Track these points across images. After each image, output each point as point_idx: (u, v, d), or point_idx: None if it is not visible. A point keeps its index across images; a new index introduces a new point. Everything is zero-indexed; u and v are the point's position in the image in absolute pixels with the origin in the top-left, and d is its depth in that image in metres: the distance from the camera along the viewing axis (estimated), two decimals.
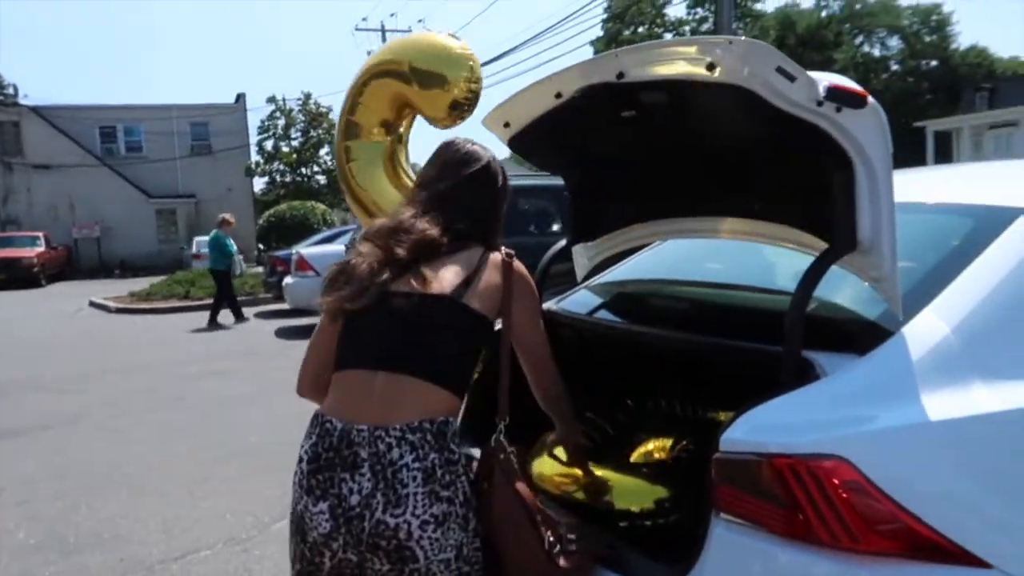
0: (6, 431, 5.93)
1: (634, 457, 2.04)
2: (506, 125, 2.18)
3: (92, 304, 16.25)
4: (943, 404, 1.39)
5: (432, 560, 1.47)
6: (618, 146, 2.18)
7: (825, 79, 1.48)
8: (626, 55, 1.72)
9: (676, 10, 39.23)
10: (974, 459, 1.41)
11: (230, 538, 3.66)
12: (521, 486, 1.63)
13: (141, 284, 18.47)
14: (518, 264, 1.74)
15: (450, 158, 1.83)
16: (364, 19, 79.40)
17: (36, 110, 31.04)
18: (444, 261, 1.65)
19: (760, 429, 1.38)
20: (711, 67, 1.52)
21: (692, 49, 1.58)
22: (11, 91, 31.75)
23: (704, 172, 2.07)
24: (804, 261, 2.00)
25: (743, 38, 1.49)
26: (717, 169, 2.02)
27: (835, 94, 1.45)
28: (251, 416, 5.91)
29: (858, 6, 40.51)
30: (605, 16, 36.13)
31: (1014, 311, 1.53)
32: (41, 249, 24.52)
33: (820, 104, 1.45)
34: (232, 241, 12.23)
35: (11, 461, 5.12)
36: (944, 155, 25.42)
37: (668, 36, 34.78)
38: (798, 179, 1.76)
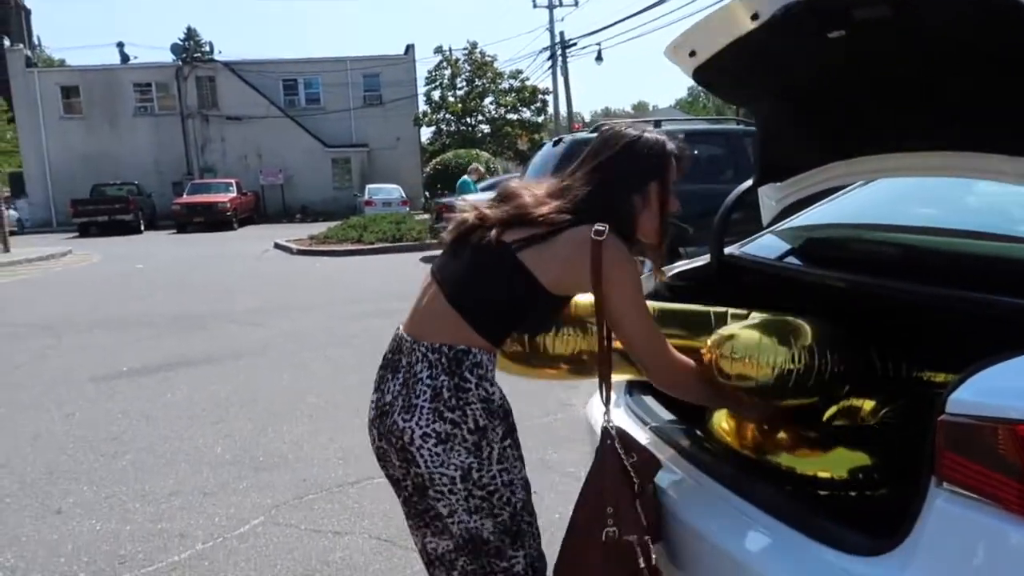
0: (204, 358, 6.54)
1: (828, 415, 1.87)
2: (692, 54, 2.02)
3: (276, 246, 17.54)
4: None
5: (433, 471, 1.59)
6: (819, 73, 1.95)
7: None
8: None
9: None
10: None
11: None
12: (616, 477, 1.64)
13: (319, 228, 19.70)
14: (609, 243, 1.58)
15: (592, 146, 1.76)
16: None
17: (228, 65, 33.62)
18: (531, 228, 1.64)
19: (999, 390, 1.19)
20: None
21: None
22: (207, 48, 34.48)
23: (919, 99, 1.81)
24: None
25: None
26: (935, 95, 1.76)
27: None
28: None
29: None
30: None
31: None
32: (233, 195, 26.73)
33: None
34: (478, 188, 13.17)
35: (208, 385, 5.64)
36: None
37: None
38: None
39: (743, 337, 1.68)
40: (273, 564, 2.95)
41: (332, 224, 19.45)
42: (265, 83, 33.62)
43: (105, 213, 25.60)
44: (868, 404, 1.81)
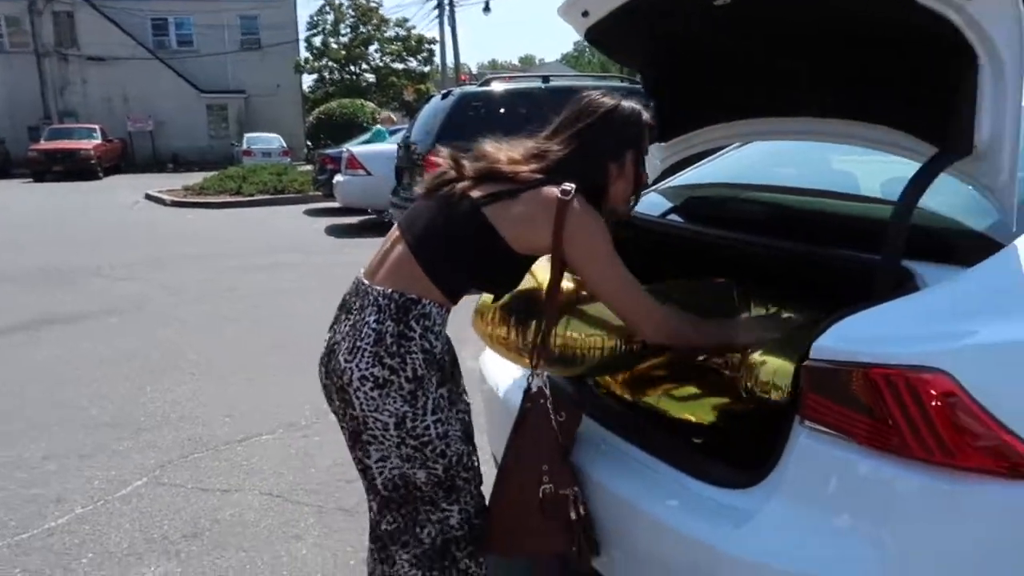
0: (74, 315, 6.16)
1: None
2: (584, 14, 2.06)
3: (148, 197, 16.56)
4: None
5: (368, 415, 1.63)
6: (704, 37, 2.04)
7: None
8: None
9: None
10: None
11: (290, 424, 3.79)
12: (549, 435, 1.70)
13: (194, 178, 18.71)
14: (576, 203, 1.60)
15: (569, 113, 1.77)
16: None
17: (88, 1, 30.89)
18: (501, 185, 1.66)
19: (855, 338, 1.32)
20: None
21: None
22: None
23: (799, 68, 1.93)
24: (892, 168, 1.89)
25: None
26: (813, 64, 1.88)
27: None
28: (302, 309, 6.03)
29: None
30: None
31: None
32: (98, 141, 24.89)
33: None
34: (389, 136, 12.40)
35: (79, 343, 5.33)
36: None
37: None
38: (908, 74, 1.63)
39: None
40: (160, 524, 2.88)
41: (208, 175, 18.47)
42: (131, 21, 31.14)
43: None
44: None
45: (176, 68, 31.70)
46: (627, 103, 1.76)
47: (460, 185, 1.68)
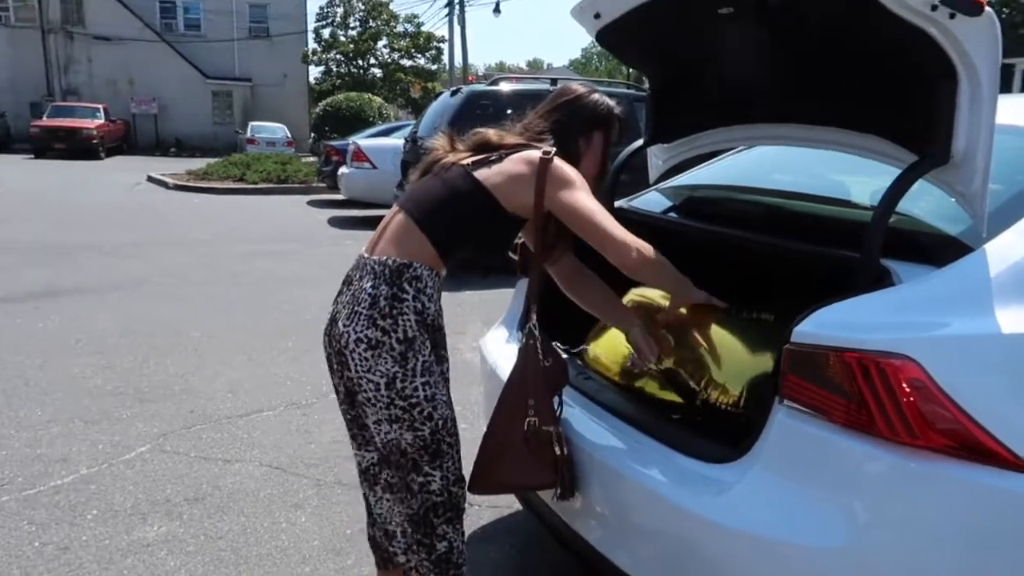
0: (77, 288, 6.26)
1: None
2: (596, 16, 2.17)
3: (150, 179, 16.63)
4: (1015, 320, 1.43)
5: (362, 375, 1.74)
6: (708, 45, 2.16)
7: None
8: None
9: None
10: None
11: (291, 402, 3.89)
12: (536, 372, 1.84)
13: (197, 164, 18.79)
14: (556, 161, 1.82)
15: (548, 98, 2.03)
16: None
17: None
18: (489, 152, 1.89)
19: (833, 324, 1.44)
20: None
21: None
22: None
23: (794, 77, 2.05)
24: (883, 177, 2.01)
25: None
26: (808, 74, 2.00)
27: (951, 0, 1.43)
28: (306, 296, 6.13)
29: None
30: None
31: None
32: (101, 121, 24.86)
33: (934, 8, 1.43)
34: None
35: (84, 315, 5.43)
36: None
37: None
38: (892, 87, 1.75)
39: None
40: (163, 488, 2.99)
41: (211, 161, 18.57)
42: (139, 3, 31.10)
43: None
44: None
45: (183, 52, 31.70)
46: (599, 93, 2.02)
47: (452, 157, 1.91)
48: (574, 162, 1.89)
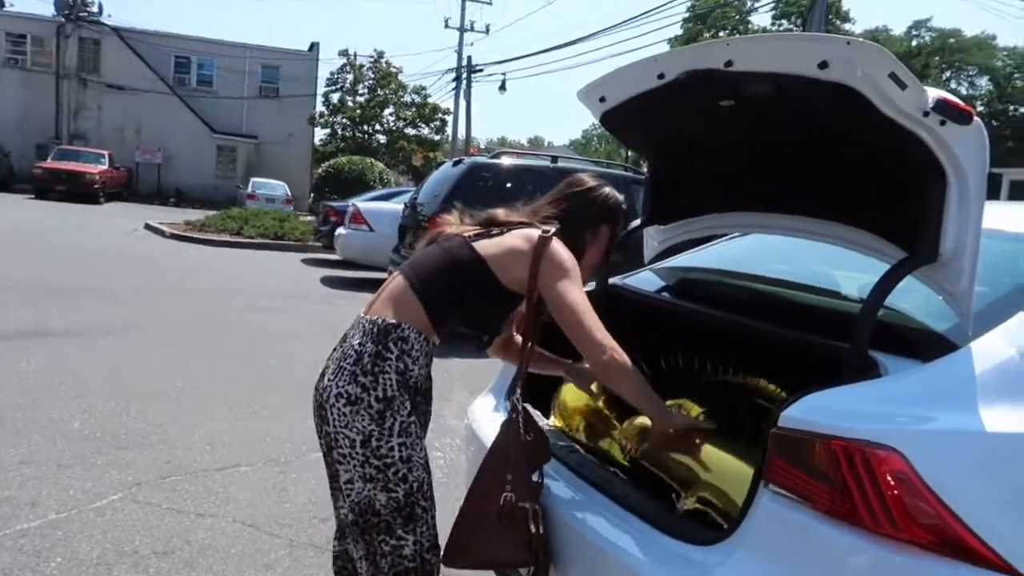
0: (66, 330, 6.22)
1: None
2: (601, 100, 2.25)
3: (147, 227, 16.70)
4: (1000, 418, 1.44)
5: (339, 431, 1.74)
6: (708, 134, 2.24)
7: (934, 92, 1.53)
8: (738, 44, 1.77)
9: (761, 19, 38.55)
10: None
11: (269, 459, 3.84)
12: (517, 446, 1.83)
13: (196, 215, 18.92)
14: (555, 242, 1.86)
15: (558, 187, 2.12)
16: None
17: (117, 31, 31.72)
18: (493, 228, 1.94)
19: (820, 411, 1.46)
20: (823, 65, 1.57)
21: (807, 45, 1.63)
22: (95, 9, 32.40)
23: (789, 169, 2.12)
24: (874, 272, 2.06)
25: (861, 40, 1.54)
26: (803, 167, 2.07)
27: (942, 107, 1.50)
28: (295, 351, 6.11)
29: (952, 40, 39.46)
30: (687, 15, 35.71)
31: None
32: (104, 167, 25.13)
33: (926, 115, 1.50)
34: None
35: (69, 358, 5.38)
36: None
37: None
38: (885, 185, 1.81)
39: None
40: (132, 539, 2.91)
41: (209, 213, 18.72)
42: (155, 56, 31.96)
43: None
44: (695, 409, 2.07)
45: (192, 106, 32.34)
46: (609, 188, 2.09)
47: (455, 229, 1.95)
48: (578, 251, 1.93)
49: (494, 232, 1.90)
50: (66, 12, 31.21)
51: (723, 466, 1.80)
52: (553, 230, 1.87)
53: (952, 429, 1.43)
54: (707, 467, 1.82)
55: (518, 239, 1.87)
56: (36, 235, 13.05)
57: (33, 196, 22.97)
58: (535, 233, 1.86)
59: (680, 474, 1.88)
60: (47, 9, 32.25)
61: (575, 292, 1.82)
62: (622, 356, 1.80)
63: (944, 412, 1.46)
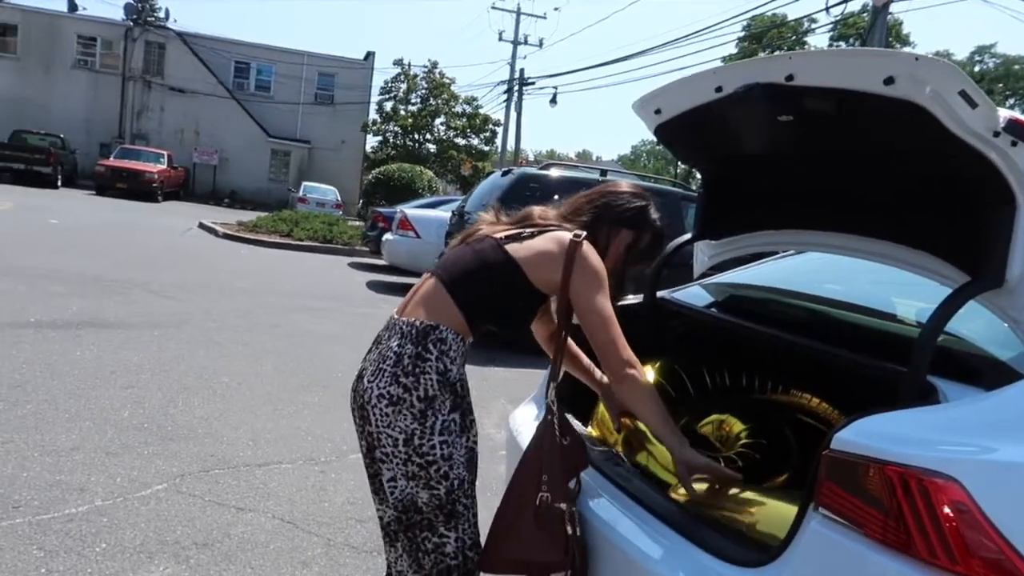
0: (117, 322, 6.38)
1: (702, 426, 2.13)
2: (657, 112, 2.23)
3: (201, 226, 17.11)
4: None
5: (381, 431, 1.76)
6: (764, 149, 2.20)
7: (1005, 112, 1.48)
8: (801, 58, 1.74)
9: (819, 39, 38.00)
10: None
11: (310, 458, 3.87)
12: (553, 448, 1.82)
13: (247, 216, 19.32)
14: (585, 246, 1.85)
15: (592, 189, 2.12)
16: None
17: (181, 35, 32.71)
18: (525, 229, 1.94)
19: (876, 435, 1.41)
20: (889, 80, 1.53)
21: (873, 60, 1.60)
22: (162, 15, 33.48)
23: (849, 187, 2.07)
24: (930, 294, 2.00)
25: (930, 56, 1.50)
26: (862, 185, 2.02)
27: (1014, 127, 1.45)
28: (338, 353, 6.18)
29: (1016, 67, 38.45)
30: (742, 34, 35.40)
31: None
32: (163, 167, 25.84)
33: (996, 135, 1.45)
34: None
35: (120, 348, 5.52)
36: None
37: None
38: (949, 207, 1.75)
39: None
40: (173, 529, 2.96)
41: (261, 214, 19.10)
42: (217, 61, 32.87)
43: (22, 161, 24.23)
44: (737, 426, 2.04)
45: (250, 110, 33.13)
46: (643, 199, 2.06)
47: (487, 229, 1.97)
48: (602, 251, 1.93)
49: (525, 235, 1.90)
50: (134, 16, 32.32)
51: (759, 509, 1.75)
52: (584, 234, 1.88)
53: (1015, 461, 1.37)
54: (741, 511, 1.77)
55: (549, 242, 1.87)
56: (95, 230, 13.47)
57: (95, 192, 23.73)
58: (566, 236, 1.87)
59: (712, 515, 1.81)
60: (117, 13, 33.37)
61: (602, 301, 1.83)
62: (644, 376, 1.83)
63: (1006, 443, 1.40)
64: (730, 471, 1.84)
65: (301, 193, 26.24)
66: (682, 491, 1.86)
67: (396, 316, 1.89)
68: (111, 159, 25.45)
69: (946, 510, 1.32)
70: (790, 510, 1.62)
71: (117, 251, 10.97)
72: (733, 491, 1.80)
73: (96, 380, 4.70)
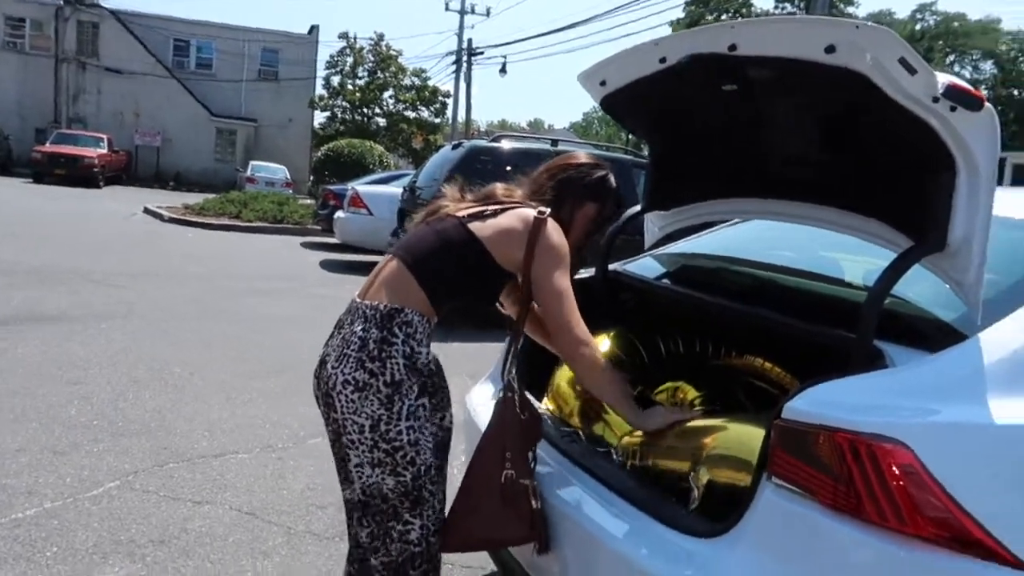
0: (63, 315, 6.19)
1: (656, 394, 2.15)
2: (602, 83, 2.21)
3: (146, 211, 16.65)
4: (1009, 409, 1.41)
5: (347, 417, 1.73)
6: (710, 118, 2.19)
7: (944, 77, 1.49)
8: (743, 28, 1.73)
9: (764, 1, 38.25)
10: None
11: (267, 445, 3.82)
12: (514, 424, 1.83)
13: (194, 198, 18.85)
14: (550, 223, 1.85)
15: (550, 162, 2.10)
16: None
17: (115, 14, 31.49)
18: (487, 206, 1.92)
19: (825, 403, 1.42)
20: (831, 49, 1.53)
21: (814, 29, 1.59)
22: None
23: (793, 155, 2.08)
24: (878, 261, 2.03)
25: (870, 24, 1.50)
26: (807, 153, 2.03)
27: (952, 93, 1.46)
28: (291, 336, 6.08)
29: (956, 24, 39.23)
30: None
31: None
32: (103, 151, 25.01)
33: (935, 101, 1.46)
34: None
35: (65, 343, 5.35)
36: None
37: None
38: (892, 173, 1.77)
39: None
40: (127, 527, 2.89)
41: (209, 196, 18.64)
42: (154, 39, 31.73)
43: None
44: (692, 393, 2.07)
45: (191, 89, 32.14)
46: (602, 169, 2.06)
47: (450, 208, 1.93)
48: (566, 227, 1.92)
49: (488, 212, 1.88)
50: None
51: (726, 434, 1.78)
52: (548, 211, 1.87)
53: (960, 422, 1.40)
54: (709, 440, 1.79)
55: (513, 219, 1.86)
56: (34, 219, 13.00)
57: (32, 180, 22.87)
58: (530, 214, 1.87)
59: (685, 462, 1.84)
60: None
61: (563, 281, 1.84)
62: (598, 353, 1.86)
63: (952, 404, 1.43)
64: (688, 410, 1.93)
65: (249, 173, 25.66)
66: (638, 433, 1.93)
67: (359, 299, 1.85)
68: (48, 145, 24.49)
69: (894, 472, 1.35)
70: (748, 430, 1.69)
71: (59, 240, 10.61)
72: (702, 426, 1.84)
73: (40, 377, 4.55)
